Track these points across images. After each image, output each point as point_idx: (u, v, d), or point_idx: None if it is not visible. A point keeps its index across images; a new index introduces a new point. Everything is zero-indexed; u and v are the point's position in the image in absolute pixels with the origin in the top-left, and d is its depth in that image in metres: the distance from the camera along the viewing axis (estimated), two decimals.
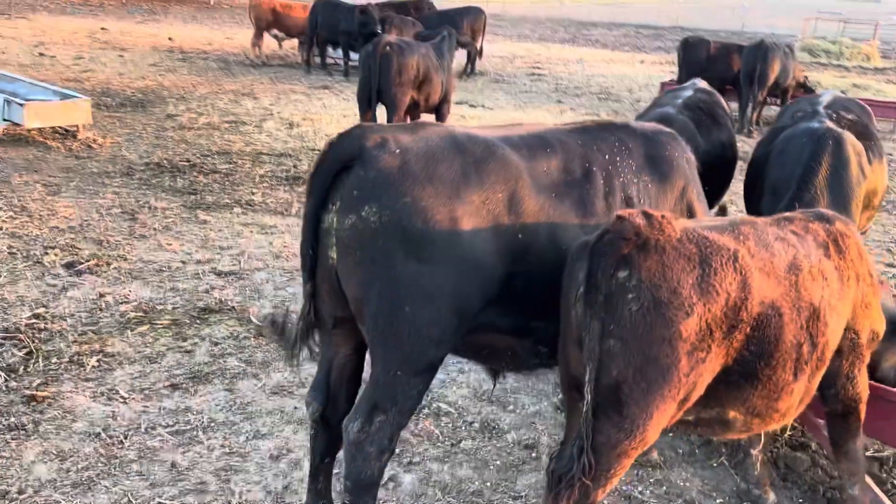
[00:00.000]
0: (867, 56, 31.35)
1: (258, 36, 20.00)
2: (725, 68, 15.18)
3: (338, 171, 2.82)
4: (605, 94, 18.00)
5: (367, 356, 3.10)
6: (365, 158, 2.76)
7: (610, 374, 2.61)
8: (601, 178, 3.12)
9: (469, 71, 19.97)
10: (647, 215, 2.68)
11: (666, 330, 2.59)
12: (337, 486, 3.48)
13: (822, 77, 23.37)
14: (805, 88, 15.02)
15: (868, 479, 3.67)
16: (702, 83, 5.81)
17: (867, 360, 3.29)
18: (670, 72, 20.49)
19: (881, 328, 3.32)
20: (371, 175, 2.73)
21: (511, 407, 4.59)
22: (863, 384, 3.30)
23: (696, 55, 15.52)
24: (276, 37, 20.44)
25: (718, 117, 5.28)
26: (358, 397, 3.11)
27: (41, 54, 18.21)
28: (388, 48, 8.83)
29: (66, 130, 10.47)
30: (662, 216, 2.70)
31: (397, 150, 2.77)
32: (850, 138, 4.43)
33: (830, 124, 4.51)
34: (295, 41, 21.24)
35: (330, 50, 20.26)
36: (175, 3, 46.33)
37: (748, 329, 2.74)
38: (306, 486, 3.37)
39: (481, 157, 2.88)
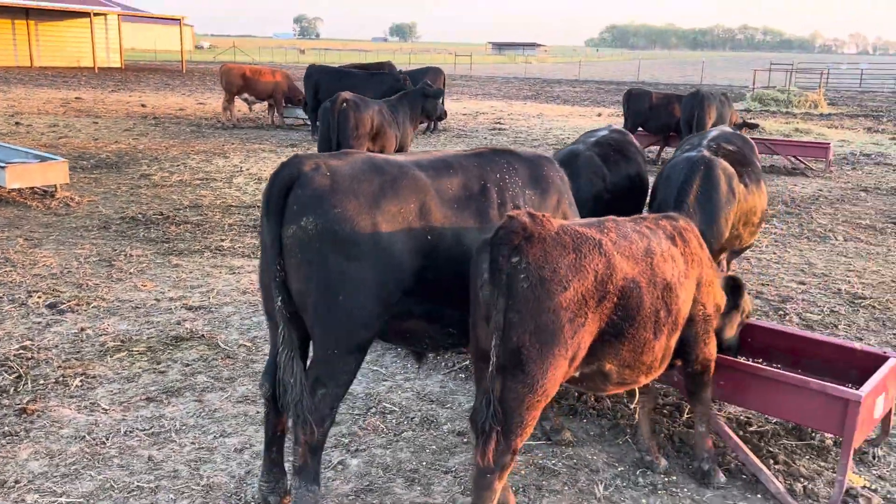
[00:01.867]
0: (815, 103, 33.03)
1: (229, 100, 20.91)
2: (667, 116, 16.30)
3: (285, 193, 3.53)
4: (560, 145, 19.01)
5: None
6: (302, 180, 3.47)
7: (512, 340, 3.29)
8: (495, 192, 3.88)
9: (432, 128, 20.97)
10: (531, 215, 3.42)
11: (550, 301, 3.30)
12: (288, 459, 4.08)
13: (767, 123, 24.76)
14: (748, 126, 16.13)
15: (741, 443, 4.36)
16: (616, 126, 6.64)
17: (714, 327, 4.07)
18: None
19: (722, 302, 4.15)
20: (307, 193, 3.45)
21: (449, 405, 5.22)
22: (712, 347, 4.12)
23: (640, 105, 16.64)
24: (246, 100, 21.35)
25: (629, 154, 6.09)
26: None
27: (17, 123, 18.91)
28: (344, 104, 9.67)
29: (45, 191, 11.13)
30: (543, 215, 3.45)
31: (328, 173, 3.50)
32: (721, 164, 5.28)
33: (706, 153, 5.35)
34: (265, 104, 22.20)
35: (299, 112, 21.26)
36: (148, 71, 47.50)
37: (615, 299, 3.47)
38: (262, 457, 3.97)
39: (396, 175, 3.63)
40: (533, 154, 4.27)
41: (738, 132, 6.46)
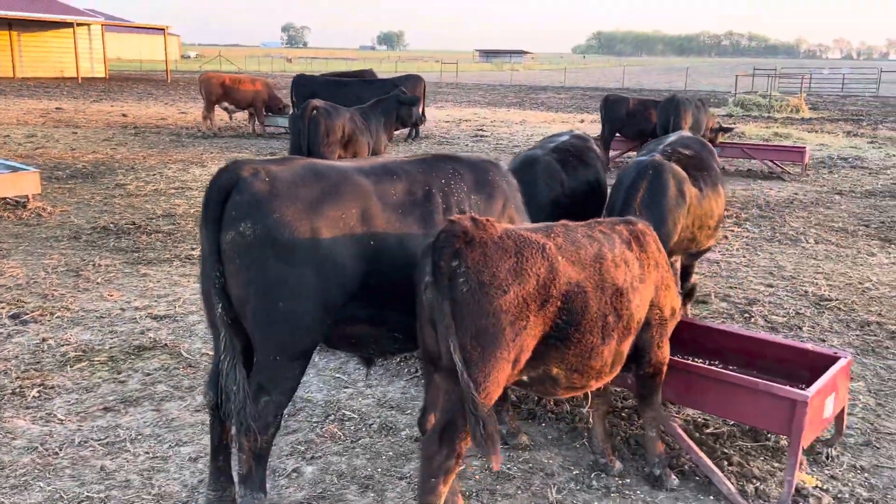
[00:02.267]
0: (796, 108, 33.28)
1: (209, 109, 20.88)
2: (644, 122, 16.37)
3: (224, 199, 3.52)
4: None
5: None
6: (241, 186, 3.47)
7: (453, 343, 3.29)
8: (439, 198, 3.88)
9: (414, 135, 21.02)
10: (473, 219, 3.42)
11: (489, 305, 3.30)
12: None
13: (748, 128, 24.94)
14: (723, 130, 16.24)
15: (694, 445, 4.37)
16: (578, 132, 6.67)
17: (670, 331, 4.06)
18: None
19: (678, 305, 4.13)
20: (246, 198, 3.44)
21: (409, 411, 5.21)
22: (665, 351, 4.11)
23: (617, 111, 16.71)
24: (226, 109, 21.34)
25: (588, 159, 6.11)
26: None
27: None
28: (315, 112, 9.68)
29: (17, 201, 11.06)
30: (486, 219, 3.45)
31: (267, 178, 3.49)
32: (671, 167, 5.32)
33: (658, 157, 5.39)
34: (245, 113, 22.18)
35: (279, 120, 21.26)
36: (132, 81, 47.36)
37: (559, 303, 3.47)
38: (208, 466, 3.96)
39: (337, 181, 3.62)
40: (478, 159, 4.28)
41: (699, 137, 6.50)
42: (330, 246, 3.50)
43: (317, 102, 10.00)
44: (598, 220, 4.06)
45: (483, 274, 3.29)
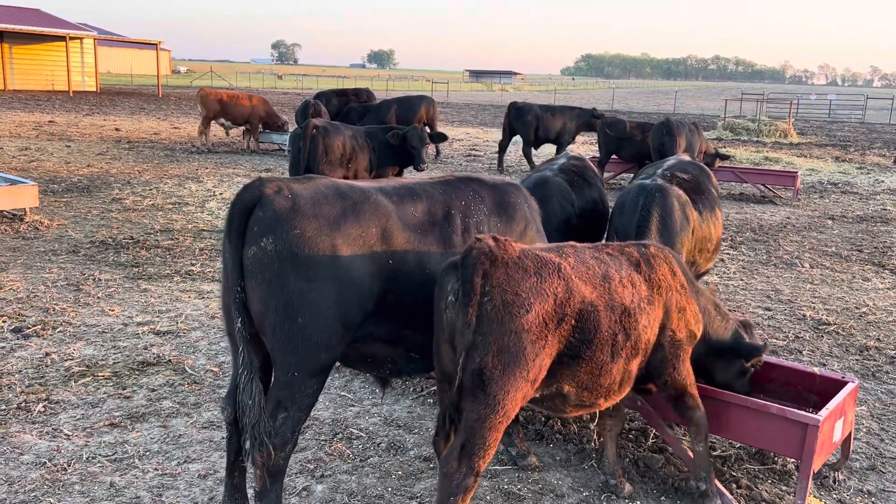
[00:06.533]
0: (784, 132, 33.66)
1: (205, 125, 20.88)
2: (640, 144, 16.52)
3: (247, 215, 3.55)
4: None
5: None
6: (263, 202, 3.50)
7: (475, 361, 3.32)
8: (459, 219, 3.92)
9: (435, 153, 20.96)
10: (495, 239, 3.47)
11: (513, 324, 3.33)
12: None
13: (738, 152, 25.16)
14: (720, 157, 16.42)
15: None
16: (574, 153, 6.75)
17: (689, 353, 4.08)
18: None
19: (698, 329, 4.15)
20: (268, 214, 3.47)
21: (416, 430, 5.21)
22: (686, 372, 4.10)
23: (615, 134, 16.86)
24: (223, 125, 21.34)
25: (589, 179, 6.20)
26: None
27: None
28: (315, 130, 9.71)
29: (14, 214, 11.01)
30: (506, 239, 3.50)
31: (289, 195, 3.53)
32: (675, 191, 5.40)
33: (660, 181, 5.48)
34: (241, 129, 22.20)
35: (274, 136, 21.29)
36: (123, 95, 47.30)
37: (573, 321, 3.51)
38: (224, 482, 3.94)
39: (358, 200, 3.66)
40: (500, 181, 4.33)
41: (696, 161, 6.58)
42: (349, 263, 3.53)
43: (317, 121, 10.04)
44: (606, 243, 4.12)
45: (507, 293, 3.34)
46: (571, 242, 3.86)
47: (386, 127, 11.25)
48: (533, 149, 19.83)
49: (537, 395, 3.68)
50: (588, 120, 18.96)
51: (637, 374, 3.92)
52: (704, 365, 4.48)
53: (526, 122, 19.14)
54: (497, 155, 20.19)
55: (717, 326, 4.43)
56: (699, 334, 4.19)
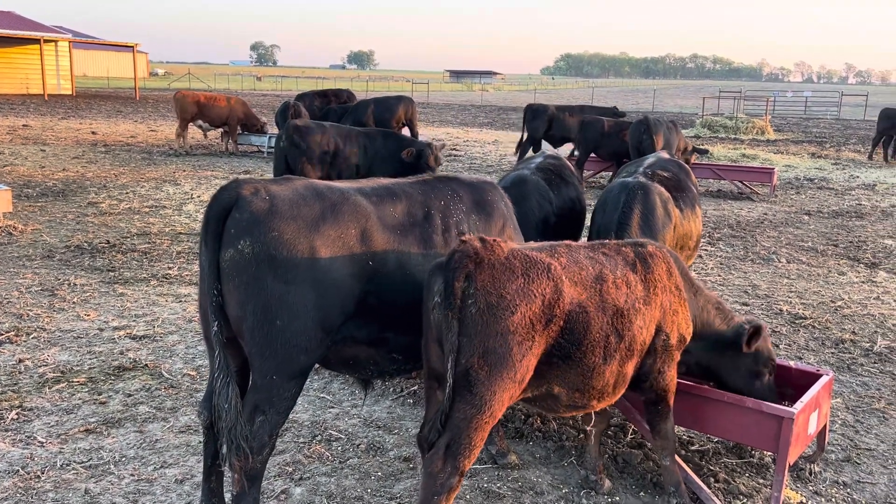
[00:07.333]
0: (762, 129, 33.98)
1: (183, 127, 20.71)
2: (619, 143, 16.58)
3: (223, 217, 3.51)
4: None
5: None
6: (240, 204, 3.47)
7: (461, 363, 3.31)
8: (439, 219, 3.91)
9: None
10: (482, 240, 3.46)
11: (497, 325, 3.32)
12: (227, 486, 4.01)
13: (716, 149, 25.33)
14: (698, 151, 16.52)
15: (682, 462, 4.42)
16: (551, 151, 6.77)
17: (677, 359, 4.07)
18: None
19: (689, 333, 4.12)
20: (245, 216, 3.44)
21: (396, 431, 5.19)
22: (671, 378, 4.08)
23: (593, 132, 16.93)
24: (200, 127, 21.19)
25: (566, 177, 6.21)
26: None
27: None
28: (294, 130, 9.65)
29: None
30: (494, 240, 3.49)
31: (267, 197, 3.50)
32: (656, 188, 5.42)
33: (641, 178, 5.50)
34: (218, 131, 22.05)
35: (253, 138, 21.17)
36: (100, 98, 46.81)
37: (562, 322, 3.50)
38: (200, 487, 3.90)
39: (337, 201, 3.64)
40: (477, 180, 4.33)
41: (675, 158, 6.62)
42: (329, 265, 3.51)
43: (298, 121, 9.98)
44: (603, 241, 4.10)
45: (491, 295, 3.32)
46: (567, 241, 3.84)
47: (388, 133, 10.87)
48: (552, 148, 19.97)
49: (528, 396, 3.67)
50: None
51: (633, 375, 3.90)
52: (711, 367, 4.45)
53: (541, 122, 19.50)
54: (480, 155, 20.16)
55: (718, 325, 4.37)
56: (689, 339, 4.16)
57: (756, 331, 4.29)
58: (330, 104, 21.34)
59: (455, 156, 22.44)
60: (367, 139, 10.45)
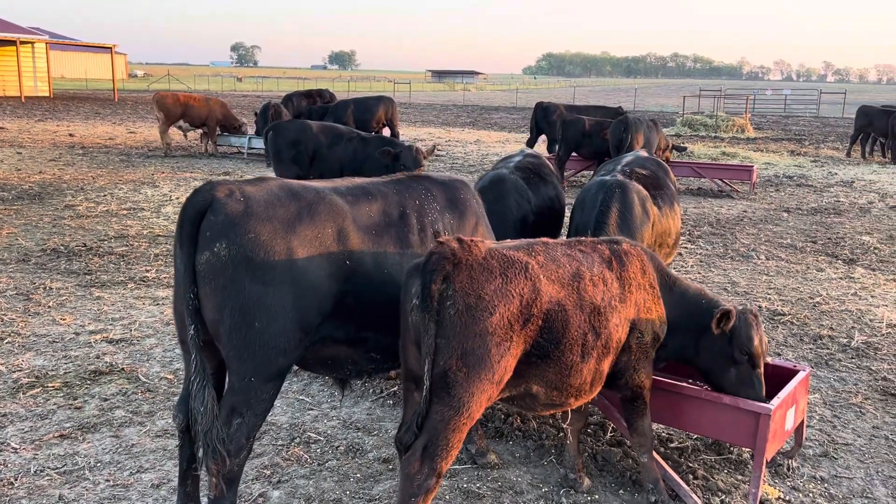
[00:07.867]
0: (742, 128, 34.23)
1: (165, 129, 20.52)
2: (600, 142, 16.64)
3: (198, 220, 3.47)
4: None
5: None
6: (215, 206, 3.43)
7: (439, 364, 3.29)
8: (414, 218, 3.90)
9: None
10: (459, 240, 3.44)
11: (476, 327, 3.30)
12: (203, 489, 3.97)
13: (696, 147, 25.49)
14: (677, 149, 16.59)
15: (660, 459, 4.43)
16: (529, 150, 6.77)
17: (651, 356, 4.08)
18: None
19: (662, 331, 4.12)
20: (220, 219, 3.40)
21: (376, 432, 5.17)
22: (646, 375, 4.09)
23: (574, 131, 16.97)
24: (181, 128, 21.03)
25: (545, 176, 6.22)
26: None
27: None
28: (271, 130, 9.59)
29: None
30: (471, 240, 3.47)
31: (242, 198, 3.46)
32: (634, 186, 5.44)
33: (619, 177, 5.51)
34: (198, 132, 21.89)
35: (232, 140, 21.03)
36: (78, 100, 46.33)
37: (540, 322, 3.49)
38: (176, 491, 3.85)
39: (313, 201, 3.61)
40: (449, 178, 4.32)
41: (654, 157, 6.64)
42: (306, 265, 3.48)
43: (279, 122, 9.92)
44: (580, 238, 4.09)
45: (469, 296, 3.30)
46: (544, 239, 3.83)
47: (378, 137, 10.83)
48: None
49: (506, 395, 3.66)
50: (614, 117, 19.10)
51: (609, 373, 3.90)
52: (693, 355, 4.37)
53: (551, 122, 19.53)
54: (462, 155, 20.15)
55: (697, 315, 4.26)
56: (663, 336, 4.16)
57: (725, 314, 4.16)
58: (315, 104, 21.29)
59: (437, 155, 22.39)
60: (368, 145, 10.37)
